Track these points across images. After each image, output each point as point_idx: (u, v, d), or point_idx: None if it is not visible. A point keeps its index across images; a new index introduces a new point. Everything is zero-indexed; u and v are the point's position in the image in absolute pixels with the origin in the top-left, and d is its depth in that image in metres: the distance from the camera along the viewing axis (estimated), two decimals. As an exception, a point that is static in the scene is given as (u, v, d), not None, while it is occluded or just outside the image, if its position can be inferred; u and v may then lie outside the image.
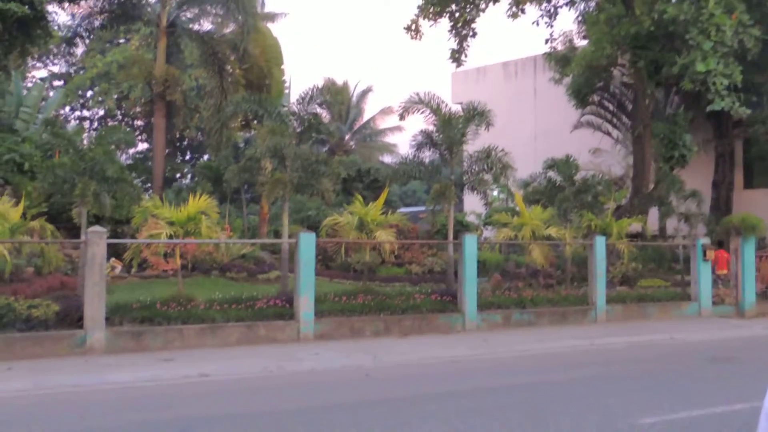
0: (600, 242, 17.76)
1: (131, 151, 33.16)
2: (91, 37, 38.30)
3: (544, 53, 28.44)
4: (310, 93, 17.37)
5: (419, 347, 13.56)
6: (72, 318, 12.45)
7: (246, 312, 13.93)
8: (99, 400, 9.37)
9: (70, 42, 38.01)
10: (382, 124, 47.38)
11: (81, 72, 38.06)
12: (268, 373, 11.24)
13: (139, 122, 35.98)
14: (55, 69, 38.88)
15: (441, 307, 15.81)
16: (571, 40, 28.07)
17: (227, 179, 18.31)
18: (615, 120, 29.36)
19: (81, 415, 8.51)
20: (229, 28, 28.65)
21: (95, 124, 38.67)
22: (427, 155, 18.53)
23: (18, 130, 22.34)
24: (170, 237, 14.82)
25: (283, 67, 30.76)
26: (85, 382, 10.27)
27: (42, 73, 37.84)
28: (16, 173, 19.71)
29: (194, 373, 10.95)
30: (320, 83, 40.36)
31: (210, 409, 8.83)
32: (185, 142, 37.85)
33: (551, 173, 20.80)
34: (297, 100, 17.61)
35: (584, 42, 27.22)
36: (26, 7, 18.50)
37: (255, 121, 23.27)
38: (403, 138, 43.37)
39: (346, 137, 45.02)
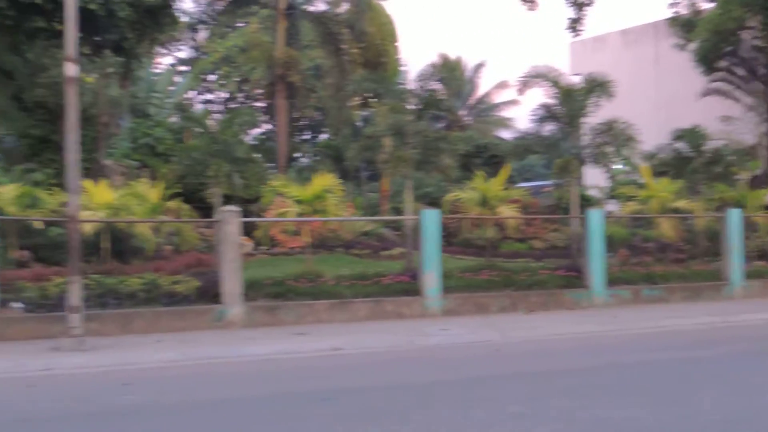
0: (735, 215, 17.03)
1: (254, 132, 34.23)
2: (213, 22, 39.69)
3: (667, 18, 27.31)
4: (427, 70, 17.43)
5: (546, 323, 13.49)
6: (211, 293, 13.07)
7: (373, 288, 14.22)
8: (240, 372, 9.86)
9: (193, 28, 39.51)
10: (498, 98, 46.88)
11: (204, 57, 39.48)
12: (397, 348, 11.47)
13: (259, 104, 37.02)
14: (181, 55, 40.48)
15: (567, 283, 15.63)
16: (695, 4, 26.83)
17: (349, 157, 18.65)
18: (745, 86, 27.91)
19: (225, 385, 8.98)
20: (344, 7, 28.99)
21: (219, 107, 40.08)
22: (547, 129, 18.26)
23: (151, 115, 23.51)
24: (297, 215, 15.28)
25: (397, 44, 30.89)
26: (227, 354, 10.81)
27: (168, 59, 39.48)
28: (151, 156, 20.77)
29: (327, 346, 11.31)
30: (434, 59, 40.41)
31: (345, 381, 9.12)
32: (304, 122, 38.72)
33: (678, 144, 20.05)
34: (415, 77, 17.71)
35: (710, 5, 25.97)
36: (155, -4, 19.36)
37: (374, 99, 23.55)
38: (520, 112, 42.77)
39: (462, 113, 44.82)
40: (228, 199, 16.73)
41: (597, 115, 17.57)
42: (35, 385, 8.90)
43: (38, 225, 14.61)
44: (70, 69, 11.20)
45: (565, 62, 39.26)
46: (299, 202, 15.47)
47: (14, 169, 16.75)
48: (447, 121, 40.22)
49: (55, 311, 11.62)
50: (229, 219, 13.13)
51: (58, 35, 15.65)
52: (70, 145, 11.12)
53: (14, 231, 14.08)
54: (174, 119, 25.24)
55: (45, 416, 7.47)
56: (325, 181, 16.06)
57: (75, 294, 10.78)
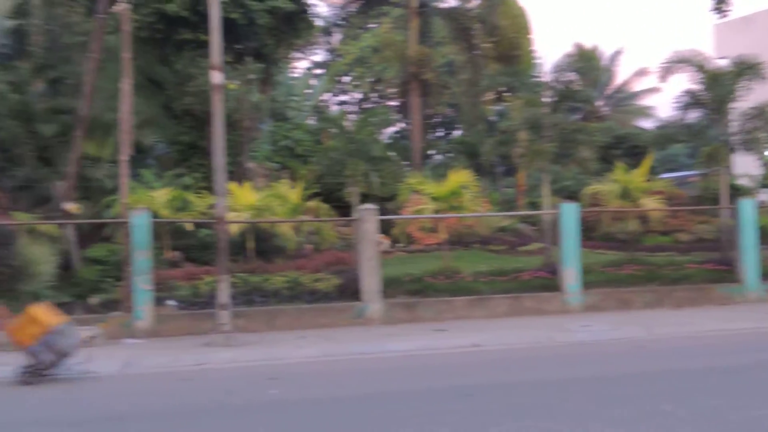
0: None
1: (389, 130, 34.62)
2: (347, 24, 40.41)
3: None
4: (562, 61, 17.01)
5: (695, 319, 12.87)
6: (350, 291, 13.34)
7: (511, 284, 14.07)
8: (381, 368, 10.00)
9: (328, 31, 40.37)
10: (637, 86, 45.06)
11: (338, 59, 40.29)
12: (538, 344, 11.30)
13: (393, 103, 37.39)
14: (316, 58, 41.48)
15: (716, 277, 14.85)
16: None
17: (484, 153, 18.51)
18: None
19: (366, 381, 9.13)
20: (475, 2, 28.75)
21: (354, 108, 40.80)
22: (692, 116, 17.39)
23: (290, 118, 24.26)
24: (433, 212, 15.34)
25: (531, 36, 30.34)
26: (367, 350, 11.00)
27: (305, 63, 40.57)
28: (290, 158, 21.43)
29: (466, 343, 11.29)
30: (569, 49, 39.33)
31: (485, 377, 9.07)
32: (437, 119, 38.78)
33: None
34: (550, 69, 17.33)
35: None
36: (292, 2, 19.95)
37: (508, 94, 23.26)
38: (661, 100, 40.95)
39: (599, 103, 43.44)
40: (365, 198, 17.00)
41: (747, 99, 16.58)
42: (191, 379, 9.39)
43: (189, 227, 15.36)
44: (216, 77, 11.73)
45: (709, 45, 37.32)
46: (435, 199, 15.52)
47: (166, 175, 17.70)
48: (584, 112, 39.05)
49: (206, 308, 12.21)
50: (367, 217, 13.35)
51: (204, 45, 16.42)
52: (216, 149, 11.65)
53: (167, 233, 14.87)
54: (312, 121, 25.91)
55: (199, 408, 7.87)
56: (461, 177, 16.03)
57: (223, 292, 11.29)
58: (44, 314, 9.34)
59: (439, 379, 9.02)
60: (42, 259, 13.36)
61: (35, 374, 9.04)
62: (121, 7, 13.90)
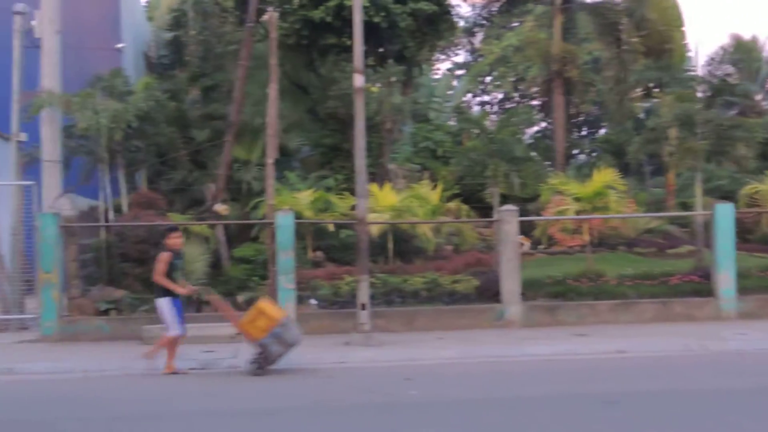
0: None
1: (531, 130, 34.03)
2: (489, 24, 40.11)
3: None
4: (718, 54, 16.12)
5: None
6: (490, 292, 13.19)
7: (659, 288, 13.44)
8: (520, 371, 9.80)
9: (469, 32, 40.21)
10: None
11: (479, 59, 40.04)
12: (688, 352, 10.72)
13: (535, 102, 36.74)
14: (457, 59, 41.39)
15: None
16: None
17: (631, 152, 17.83)
18: None
19: (505, 384, 8.98)
20: (622, -4, 27.72)
21: (495, 108, 40.42)
22: None
23: (431, 119, 24.35)
24: (576, 213, 14.92)
25: (683, 29, 28.91)
26: (506, 353, 10.82)
27: (446, 64, 40.58)
28: (431, 159, 21.51)
29: (610, 348, 10.88)
30: (726, 41, 37.25)
31: (631, 385, 8.69)
32: (581, 118, 37.73)
33: None
34: (705, 62, 16.46)
35: None
36: (434, 4, 19.99)
37: (657, 89, 22.29)
38: (830, 92, 37.92)
39: (759, 97, 40.82)
40: (506, 199, 16.79)
41: None
42: (333, 377, 9.58)
43: (330, 227, 15.71)
44: (358, 80, 11.93)
45: None
46: (578, 199, 15.09)
47: (309, 177, 18.19)
48: (741, 107, 36.87)
49: (346, 308, 12.44)
50: (508, 218, 13.16)
51: (347, 50, 16.79)
52: (358, 151, 11.84)
53: (310, 233, 15.27)
54: (453, 122, 25.87)
55: (340, 405, 8.01)
56: (606, 177, 15.50)
57: (363, 292, 11.46)
58: (271, 308, 9.91)
59: (581, 386, 8.74)
60: (195, 257, 14.07)
61: (264, 365, 9.51)
62: (269, 16, 14.41)
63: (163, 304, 9.76)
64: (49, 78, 13.35)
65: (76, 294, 12.55)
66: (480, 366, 10.09)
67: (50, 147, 13.34)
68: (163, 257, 9.69)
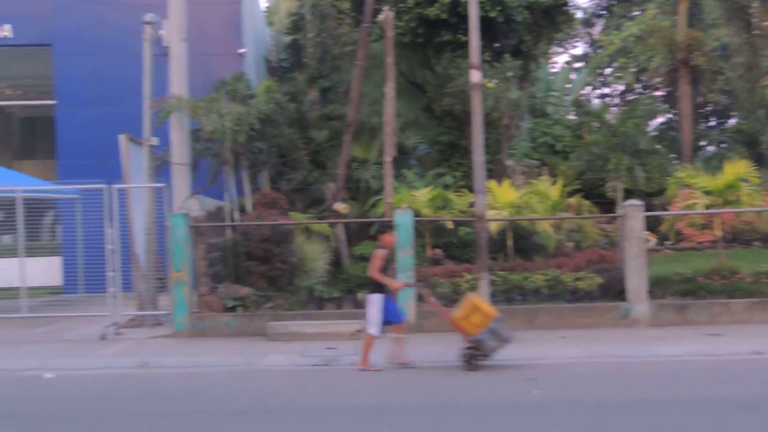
0: None
1: (655, 122, 32.81)
2: (608, 14, 38.97)
3: None
4: None
5: None
6: (614, 290, 12.80)
7: (801, 286, 12.66)
8: (649, 372, 9.45)
9: (588, 23, 39.21)
10: None
11: (599, 51, 38.97)
12: (835, 355, 10.05)
13: (659, 92, 35.41)
14: (575, 51, 40.46)
15: None
16: None
17: (766, 141, 16.87)
18: None
19: (634, 385, 8.68)
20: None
21: (616, 100, 39.25)
22: None
23: (549, 114, 23.86)
24: (706, 207, 14.25)
25: (820, 9, 27.09)
26: (633, 353, 10.46)
27: (564, 57, 39.73)
28: (550, 154, 21.07)
29: (746, 349, 10.34)
30: None
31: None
32: (709, 107, 36.08)
33: None
34: None
35: None
36: (551, -4, 19.59)
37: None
38: None
39: None
40: (629, 194, 16.26)
41: None
42: (455, 375, 9.52)
43: (449, 225, 15.65)
44: (475, 76, 11.83)
45: None
46: (708, 193, 14.39)
47: (427, 174, 18.20)
48: None
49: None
50: (632, 213, 12.72)
51: (463, 46, 16.66)
52: (476, 148, 11.74)
53: (428, 231, 15.27)
54: (572, 116, 25.27)
55: (460, 403, 7.96)
56: (738, 169, 14.70)
57: (483, 290, 11.36)
58: (485, 304, 10.00)
59: (714, 388, 8.35)
60: (316, 256, 14.34)
61: (476, 360, 9.61)
62: (385, 16, 14.50)
63: (375, 300, 9.85)
64: (177, 84, 13.92)
65: (205, 291, 13.03)
66: (606, 366, 9.80)
67: (179, 150, 13.91)
68: (380, 254, 9.83)
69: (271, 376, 9.89)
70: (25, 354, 11.42)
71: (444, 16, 18.08)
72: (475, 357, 9.62)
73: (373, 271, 9.78)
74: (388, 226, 10.69)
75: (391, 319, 9.95)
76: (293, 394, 8.75)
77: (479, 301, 9.97)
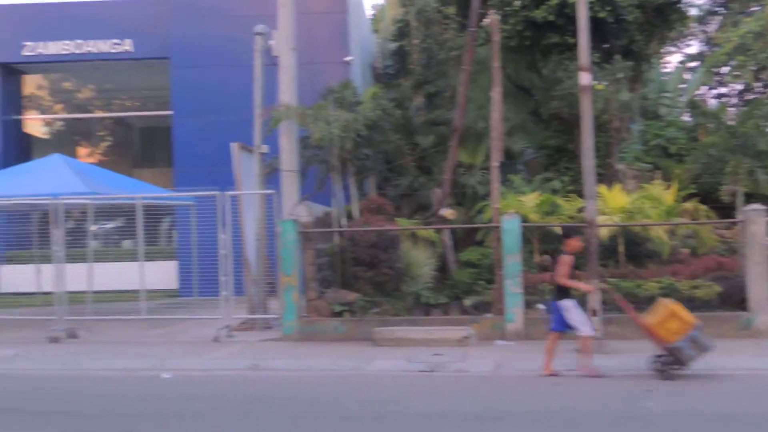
0: None
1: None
2: (724, 10, 37.33)
3: None
4: None
5: None
6: (734, 299, 12.23)
7: None
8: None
9: (702, 20, 37.70)
10: None
11: (715, 49, 37.40)
12: None
13: (781, 92, 33.62)
14: (689, 50, 38.94)
15: None
16: None
17: None
18: None
19: (761, 400, 8.26)
20: None
21: (734, 100, 37.54)
22: None
23: (662, 116, 23.06)
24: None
25: None
26: (757, 365, 9.98)
27: (677, 56, 38.31)
28: (663, 157, 20.33)
29: None
30: None
31: None
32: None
33: None
34: None
35: None
36: (663, -6, 18.94)
37: None
38: None
39: None
40: (750, 197, 15.49)
41: None
42: (563, 384, 9.32)
43: (557, 231, 15.34)
44: (584, 78, 11.56)
45: None
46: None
47: (534, 179, 17.90)
48: None
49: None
50: (754, 219, 12.12)
51: (571, 48, 16.32)
52: (585, 152, 11.46)
53: (536, 237, 15.01)
54: (686, 118, 24.33)
55: (571, 414, 7.77)
56: None
57: (594, 297, 11.04)
58: (682, 310, 9.73)
59: None
60: (422, 261, 14.34)
61: (672, 368, 9.41)
62: (491, 20, 14.38)
63: (569, 305, 9.82)
64: (286, 93, 14.23)
65: (313, 296, 13.25)
66: (728, 379, 9.35)
67: (288, 158, 14.21)
68: (566, 260, 9.81)
69: (378, 382, 9.94)
70: (144, 354, 11.91)
71: (551, 18, 17.75)
72: (670, 365, 9.31)
73: (562, 277, 9.70)
74: (574, 231, 10.40)
75: (560, 327, 9.82)
76: (401, 400, 8.77)
77: (676, 307, 9.58)
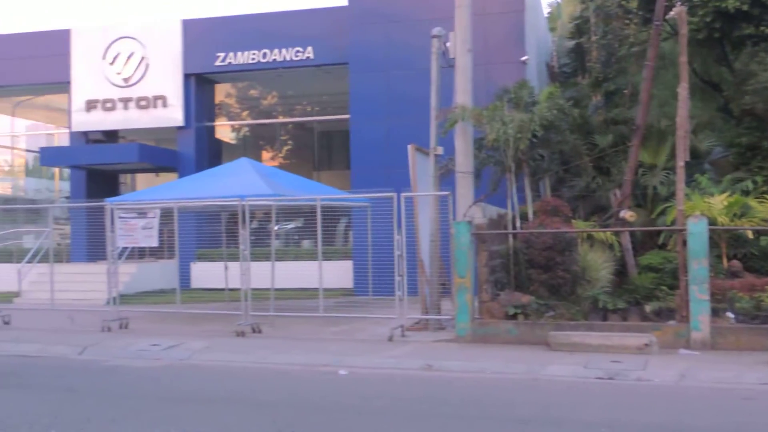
0: None
1: None
2: None
3: None
4: None
5: None
6: None
7: None
8: None
9: None
10: None
11: None
12: None
13: None
14: None
15: None
16: None
17: None
18: None
19: None
20: None
21: None
22: None
23: None
24: None
25: None
26: None
27: None
28: None
29: None
30: None
31: None
32: None
33: None
34: None
35: None
36: None
37: None
38: None
39: None
40: None
41: None
42: (753, 398, 8.71)
43: (749, 234, 14.36)
44: (780, 71, 10.72)
45: None
46: None
47: (723, 180, 16.87)
48: None
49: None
50: None
51: (766, 39, 15.24)
52: (781, 150, 10.62)
53: (724, 241, 14.13)
54: None
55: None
56: None
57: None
58: None
59: None
60: (599, 265, 13.89)
61: None
62: (678, 12, 13.65)
63: None
64: (462, 94, 14.25)
65: (486, 298, 13.17)
66: None
67: (463, 159, 14.22)
68: None
69: (552, 387, 9.71)
70: (322, 350, 12.33)
71: (744, 7, 16.63)
72: None
73: None
74: None
75: None
76: (577, 407, 8.52)
77: None
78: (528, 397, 9.11)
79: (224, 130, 28.16)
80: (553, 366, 10.63)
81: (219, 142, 26.18)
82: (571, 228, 14.25)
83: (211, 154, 24.39)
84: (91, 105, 24.01)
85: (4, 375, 11.06)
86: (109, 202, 16.04)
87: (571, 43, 23.36)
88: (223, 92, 26.65)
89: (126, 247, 18.60)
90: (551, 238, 13.37)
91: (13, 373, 11.26)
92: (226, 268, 17.31)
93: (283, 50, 22.31)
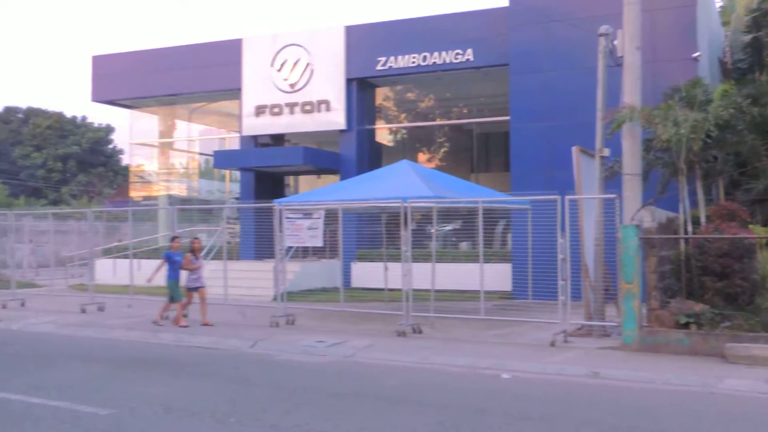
0: None
1: None
2: None
3: None
4: None
5: None
6: None
7: None
8: None
9: None
10: None
11: None
12: None
13: None
14: None
15: None
16: None
17: None
18: None
19: None
20: None
21: None
22: None
23: None
24: None
25: None
26: None
27: None
28: None
29: None
30: None
31: None
32: None
33: None
34: None
35: None
36: None
37: None
38: None
39: None
40: None
41: None
42: None
43: None
44: None
45: None
46: None
47: None
48: None
49: None
50: None
51: None
52: None
53: None
54: None
55: None
56: None
57: None
58: None
59: None
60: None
61: None
62: None
63: None
64: (630, 93, 13.76)
65: (655, 305, 12.61)
66: None
67: (631, 161, 13.73)
68: None
69: (730, 402, 9.17)
70: (483, 353, 12.27)
71: None
72: None
73: None
74: None
75: None
76: (760, 425, 8.01)
77: None
78: (704, 412, 8.66)
79: (382, 133, 28.63)
80: (731, 380, 10.03)
81: (379, 144, 26.67)
82: (751, 234, 13.40)
83: (372, 156, 24.89)
84: (259, 110, 25.16)
85: (186, 365, 11.81)
86: (277, 203, 16.71)
87: (748, 37, 21.98)
88: (381, 95, 27.12)
89: (291, 246, 19.30)
90: (728, 244, 12.62)
91: (193, 363, 12.00)
92: (386, 268, 17.56)
93: (443, 53, 22.40)
